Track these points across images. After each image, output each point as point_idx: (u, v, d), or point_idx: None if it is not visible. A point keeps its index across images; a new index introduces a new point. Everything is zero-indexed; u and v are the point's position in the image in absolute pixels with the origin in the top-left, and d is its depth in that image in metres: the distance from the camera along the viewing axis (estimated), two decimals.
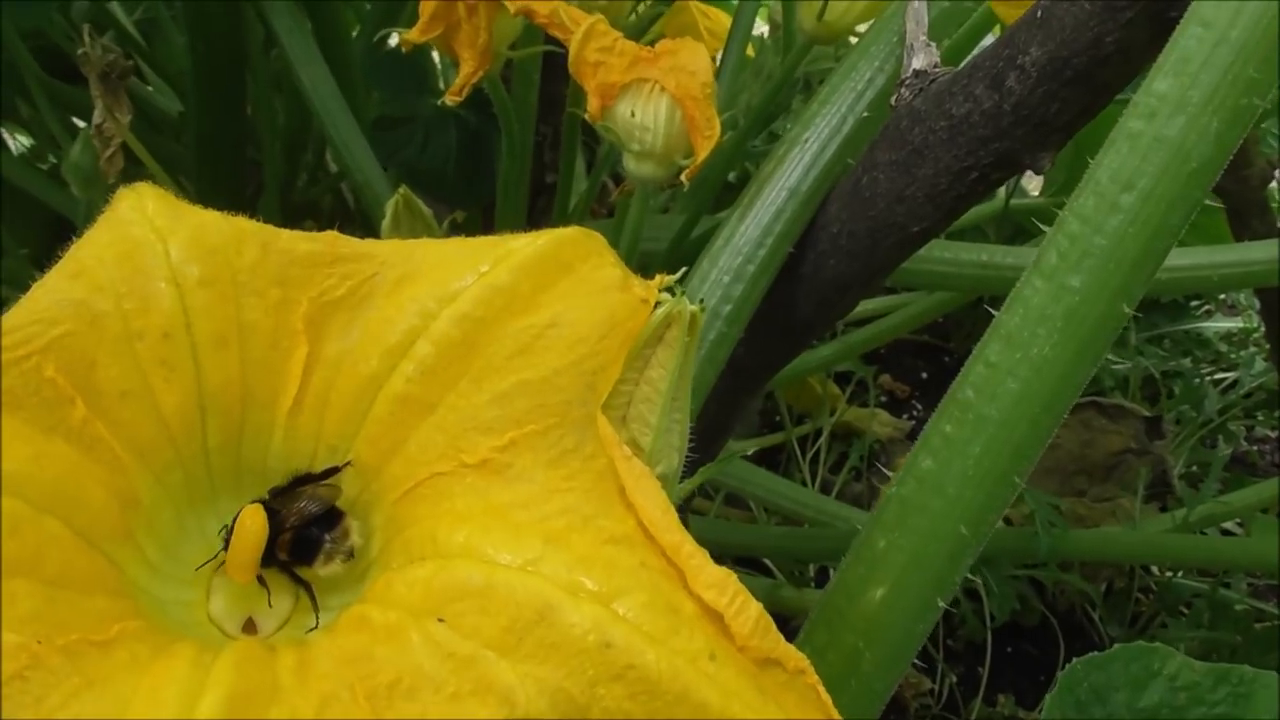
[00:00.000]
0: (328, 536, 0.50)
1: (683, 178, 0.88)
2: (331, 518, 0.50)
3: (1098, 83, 0.68)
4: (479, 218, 1.53)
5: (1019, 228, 2.01)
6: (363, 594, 0.48)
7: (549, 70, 1.45)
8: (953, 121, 0.76)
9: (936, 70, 0.82)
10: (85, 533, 0.44)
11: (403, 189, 0.97)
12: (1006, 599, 1.29)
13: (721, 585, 0.44)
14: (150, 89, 1.87)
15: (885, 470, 2.00)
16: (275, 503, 0.50)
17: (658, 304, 0.49)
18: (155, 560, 0.49)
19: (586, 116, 0.89)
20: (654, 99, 0.86)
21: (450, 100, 0.99)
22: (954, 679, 1.53)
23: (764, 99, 1.19)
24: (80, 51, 1.17)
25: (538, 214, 1.55)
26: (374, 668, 0.42)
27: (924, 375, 2.34)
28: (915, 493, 0.52)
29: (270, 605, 0.51)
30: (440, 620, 0.42)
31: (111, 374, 0.46)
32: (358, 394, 0.50)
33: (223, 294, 0.49)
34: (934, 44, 0.85)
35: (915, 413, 2.19)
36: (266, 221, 1.49)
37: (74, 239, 0.49)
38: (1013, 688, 1.54)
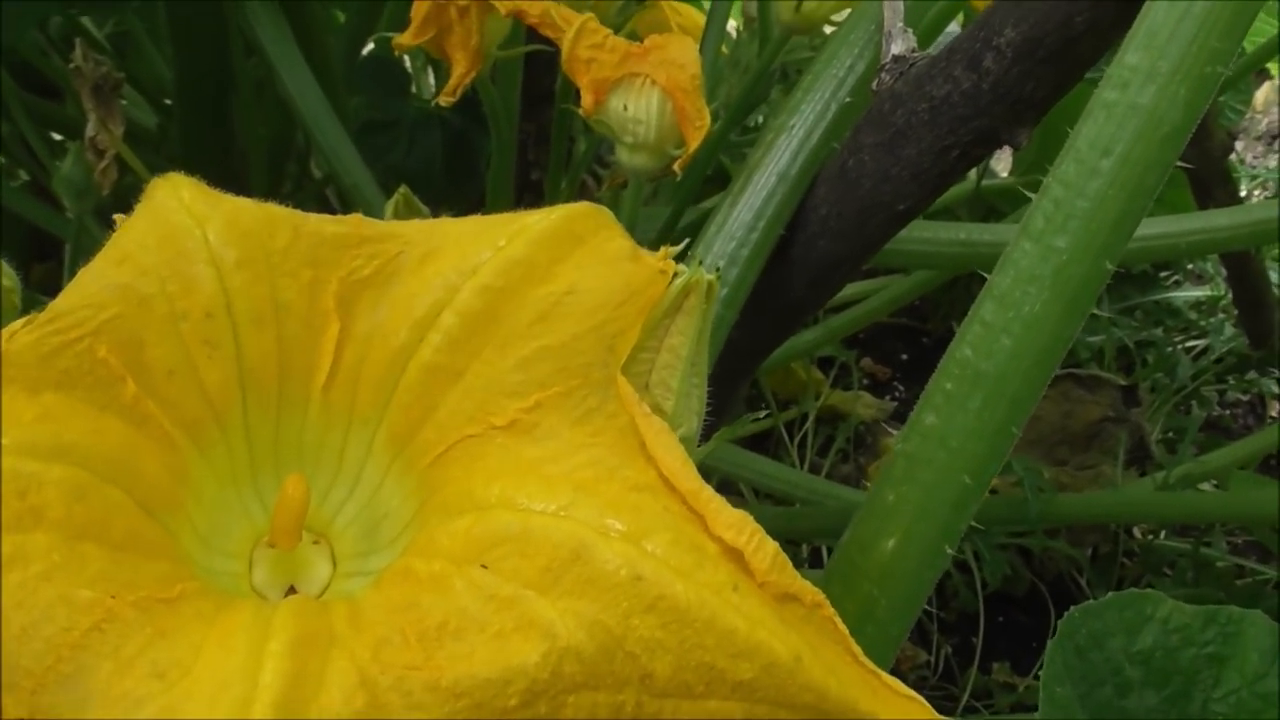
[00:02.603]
0: None
1: (675, 167, 0.92)
2: None
3: (1070, 60, 0.72)
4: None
5: (990, 208, 2.06)
6: (403, 549, 0.51)
7: (530, 69, 1.48)
8: (933, 103, 0.80)
9: (915, 55, 0.86)
10: (144, 503, 0.46)
11: (403, 189, 1.00)
12: (998, 565, 1.33)
13: (740, 525, 0.48)
14: (124, 102, 1.88)
15: (872, 450, 2.04)
16: None
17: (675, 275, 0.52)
18: (203, 532, 0.52)
19: (580, 111, 0.92)
20: (645, 92, 0.90)
21: (444, 101, 1.02)
22: (949, 650, 1.57)
23: (743, 90, 1.23)
24: (72, 65, 1.19)
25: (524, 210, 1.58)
26: (422, 613, 0.45)
27: (904, 357, 2.39)
28: (920, 448, 0.55)
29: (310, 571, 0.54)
30: (482, 566, 0.45)
31: (159, 353, 0.49)
32: (388, 366, 0.53)
33: (258, 275, 0.52)
34: (910, 30, 0.89)
35: (897, 394, 2.23)
36: None
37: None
38: (1007, 655, 1.58)
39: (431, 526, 0.50)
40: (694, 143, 0.89)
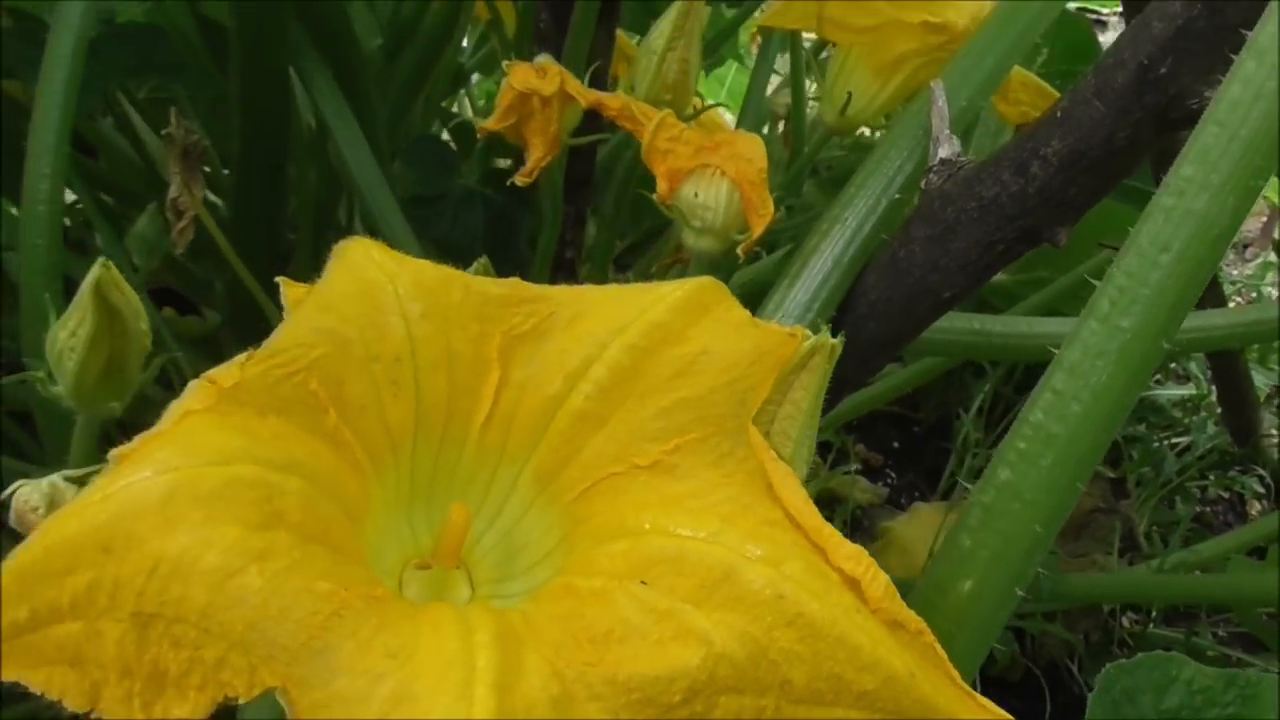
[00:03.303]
0: None
1: (739, 250, 1.00)
2: None
3: (1110, 170, 0.82)
4: None
5: (984, 302, 2.17)
6: (556, 569, 0.58)
7: (571, 156, 1.58)
8: (982, 202, 0.90)
9: (960, 159, 0.96)
10: (351, 516, 0.53)
11: (483, 260, 1.08)
12: (1007, 643, 1.40)
13: (857, 557, 0.55)
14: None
15: (869, 533, 2.11)
16: None
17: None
18: (373, 548, 0.59)
19: (654, 197, 1.01)
20: (716, 182, 0.99)
21: (521, 182, 1.11)
22: None
23: (784, 183, 1.34)
24: (164, 131, 1.27)
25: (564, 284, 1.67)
26: (588, 622, 0.52)
27: (895, 445, 2.47)
28: (996, 499, 0.63)
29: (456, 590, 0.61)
30: (642, 583, 0.53)
31: (355, 389, 0.57)
32: (540, 411, 0.61)
33: (437, 327, 0.60)
34: (955, 136, 0.99)
35: (889, 480, 2.30)
36: None
37: None
38: None
39: (585, 549, 0.57)
40: (758, 229, 0.99)
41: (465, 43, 2.16)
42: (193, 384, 0.53)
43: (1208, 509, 2.29)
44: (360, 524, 0.56)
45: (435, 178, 1.66)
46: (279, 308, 0.60)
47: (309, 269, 1.76)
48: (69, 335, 0.76)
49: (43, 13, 2.03)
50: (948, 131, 0.99)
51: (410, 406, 0.59)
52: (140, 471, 0.48)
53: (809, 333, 0.61)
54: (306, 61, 1.51)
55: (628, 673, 0.49)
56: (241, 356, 0.55)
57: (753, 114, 1.58)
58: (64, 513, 0.47)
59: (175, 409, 0.51)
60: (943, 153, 0.98)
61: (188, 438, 0.50)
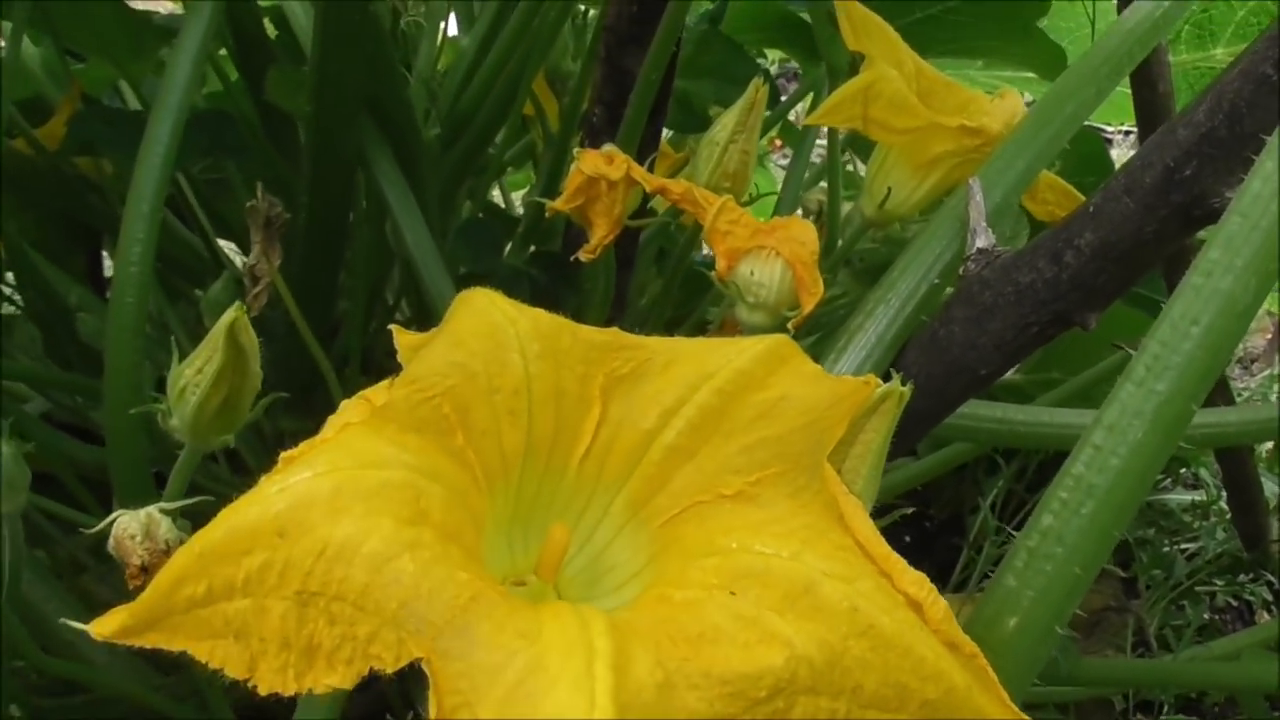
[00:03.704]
0: None
1: (789, 326, 1.09)
2: None
3: (1138, 260, 0.91)
4: None
5: (991, 397, 2.24)
6: (648, 584, 0.64)
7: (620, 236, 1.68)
8: (1018, 287, 0.98)
9: (997, 249, 1.05)
10: (475, 526, 0.60)
11: None
12: None
13: (920, 582, 0.62)
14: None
15: None
16: None
17: None
18: (486, 562, 0.66)
19: (713, 275, 1.09)
20: (770, 262, 1.07)
21: (585, 257, 1.19)
22: None
23: (825, 270, 1.42)
24: (249, 204, 1.37)
25: None
26: (681, 626, 0.58)
27: (907, 538, 2.51)
28: (1040, 544, 0.70)
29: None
30: (731, 593, 0.59)
31: (479, 416, 0.64)
32: (635, 445, 0.68)
33: (550, 366, 0.67)
34: (990, 229, 1.08)
35: None
36: (348, 357, 1.70)
37: None
38: None
39: (676, 566, 0.64)
40: (809, 307, 1.07)
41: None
42: (349, 401, 0.60)
43: (1216, 616, 2.33)
44: (479, 535, 0.63)
45: (485, 257, 1.76)
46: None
47: (358, 337, 1.84)
48: (195, 372, 0.83)
49: (104, 97, 2.17)
50: (984, 224, 1.08)
51: (523, 435, 0.66)
52: (309, 470, 0.55)
53: (880, 381, 0.68)
54: (373, 147, 1.62)
55: (720, 669, 0.55)
56: (384, 383, 0.63)
57: (788, 206, 1.68)
58: (243, 501, 0.55)
59: (335, 420, 0.59)
60: (980, 243, 1.07)
61: (348, 444, 0.57)
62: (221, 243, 1.97)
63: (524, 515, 0.70)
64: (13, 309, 1.89)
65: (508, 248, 1.88)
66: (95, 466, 1.55)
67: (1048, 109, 1.10)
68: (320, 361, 1.45)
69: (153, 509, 0.86)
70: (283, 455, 0.56)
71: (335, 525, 0.53)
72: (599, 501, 0.70)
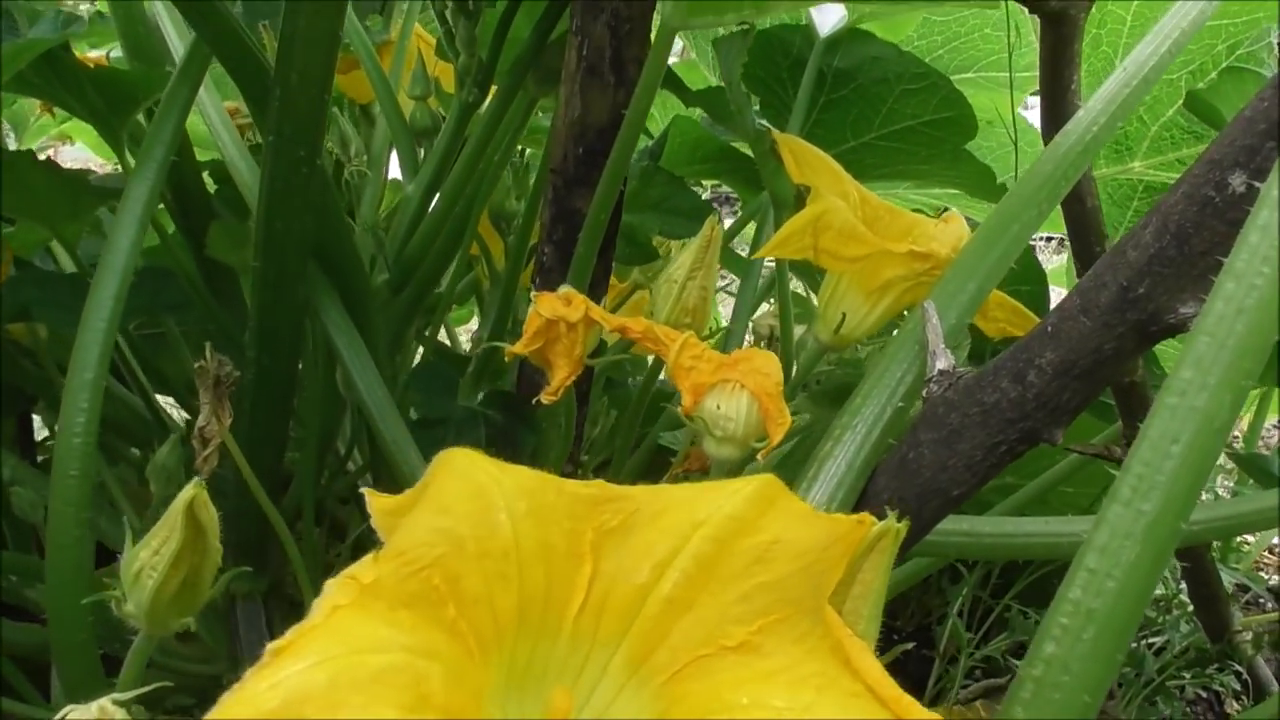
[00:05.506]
0: None
1: (758, 457, 1.08)
2: None
3: (1098, 376, 0.92)
4: None
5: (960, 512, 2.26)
6: None
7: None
8: (984, 408, 0.99)
9: (958, 370, 1.06)
10: (476, 698, 0.58)
11: None
12: None
13: None
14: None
15: None
16: None
17: None
18: None
19: (679, 410, 1.09)
20: (736, 395, 1.08)
21: (547, 400, 1.19)
22: None
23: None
24: (197, 364, 1.34)
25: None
26: None
27: (877, 653, 2.48)
28: (1045, 673, 0.69)
29: None
30: None
31: (470, 584, 0.62)
32: (630, 599, 0.67)
33: (537, 523, 0.66)
34: (949, 350, 1.10)
35: None
36: (301, 513, 1.66)
37: None
38: None
39: None
40: (776, 438, 1.07)
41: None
42: (334, 581, 0.58)
43: (1189, 708, 2.32)
44: (480, 708, 0.60)
45: (439, 401, 1.74)
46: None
47: (311, 490, 1.79)
48: (152, 554, 0.80)
49: (35, 259, 2.13)
50: (943, 346, 1.10)
51: (514, 598, 0.64)
52: (301, 661, 0.52)
53: (874, 519, 0.68)
54: (320, 296, 1.61)
55: None
56: (369, 557, 0.60)
57: (739, 335, 1.70)
58: (231, 702, 0.51)
59: (323, 603, 0.56)
60: (940, 365, 1.08)
61: (340, 629, 0.55)
62: (159, 398, 1.93)
63: (520, 681, 0.67)
64: None
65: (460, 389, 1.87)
66: (34, 648, 1.47)
67: (992, 232, 1.14)
68: (272, 517, 1.41)
69: (106, 701, 0.81)
70: (269, 646, 0.54)
71: None
72: (596, 660, 0.68)
